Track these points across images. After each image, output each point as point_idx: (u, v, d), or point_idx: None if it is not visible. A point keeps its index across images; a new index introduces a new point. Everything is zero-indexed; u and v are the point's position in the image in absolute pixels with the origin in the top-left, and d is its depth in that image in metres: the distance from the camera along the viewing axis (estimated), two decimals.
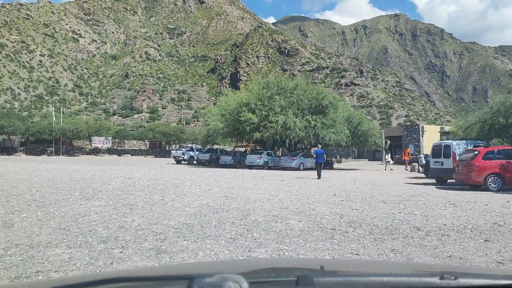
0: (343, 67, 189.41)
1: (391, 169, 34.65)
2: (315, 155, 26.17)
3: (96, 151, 60.58)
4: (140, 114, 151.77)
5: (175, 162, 43.41)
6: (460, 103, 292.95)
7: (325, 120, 34.18)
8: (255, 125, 34.57)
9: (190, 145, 58.41)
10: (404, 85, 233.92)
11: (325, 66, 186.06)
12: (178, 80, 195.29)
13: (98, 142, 60.24)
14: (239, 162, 38.47)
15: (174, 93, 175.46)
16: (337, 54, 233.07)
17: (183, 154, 43.12)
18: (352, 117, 38.23)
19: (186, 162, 43.16)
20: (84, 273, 5.10)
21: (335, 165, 42.77)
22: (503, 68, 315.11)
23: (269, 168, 36.12)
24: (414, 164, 33.92)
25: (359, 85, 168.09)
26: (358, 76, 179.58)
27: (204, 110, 66.67)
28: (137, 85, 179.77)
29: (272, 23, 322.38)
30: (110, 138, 61.65)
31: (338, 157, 57.23)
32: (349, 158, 58.08)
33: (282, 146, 39.42)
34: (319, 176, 23.93)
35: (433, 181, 22.67)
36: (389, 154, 37.20)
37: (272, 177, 23.64)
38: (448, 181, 20.78)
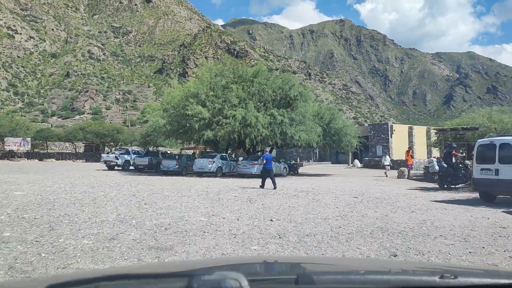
0: (292, 69, 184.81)
1: (386, 175, 27.71)
2: (264, 161, 19.11)
3: (11, 155, 49.88)
4: (82, 115, 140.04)
5: (106, 168, 34.48)
6: (401, 107, 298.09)
7: (294, 115, 26.72)
8: (206, 121, 26.57)
9: (133, 148, 49.31)
10: (351, 88, 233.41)
11: (274, 68, 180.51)
12: (123, 80, 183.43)
13: (13, 144, 49.41)
14: (185, 168, 30.23)
15: (119, 93, 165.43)
16: (285, 57, 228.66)
17: (116, 158, 34.21)
18: (323, 112, 31.07)
19: (120, 168, 34.37)
20: (84, 271, 4.76)
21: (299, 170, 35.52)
22: (440, 73, 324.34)
23: (224, 175, 28.26)
24: (402, 169, 27.10)
25: (308, 87, 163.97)
26: (306, 79, 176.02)
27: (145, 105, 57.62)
28: (79, 85, 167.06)
29: (221, 25, 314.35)
30: (28, 139, 50.93)
31: (298, 160, 50.16)
32: (310, 161, 51.32)
33: (240, 147, 31.56)
34: (274, 185, 18.02)
35: (458, 195, 15.75)
36: (387, 157, 30.20)
37: (231, 192, 15.80)
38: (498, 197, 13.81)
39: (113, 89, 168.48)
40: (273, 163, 29.22)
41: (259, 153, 34.64)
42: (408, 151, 27.95)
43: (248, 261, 2.41)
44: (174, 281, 1.35)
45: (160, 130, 29.38)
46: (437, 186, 20.57)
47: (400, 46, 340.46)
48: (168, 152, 48.38)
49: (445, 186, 17.71)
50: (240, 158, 29.77)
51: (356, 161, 43.37)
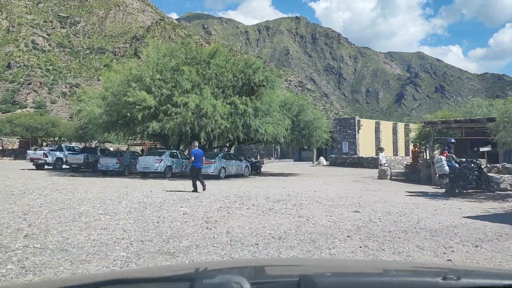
0: None
1: (388, 177, 23.40)
2: (192, 158, 15.36)
3: None
4: (24, 109, 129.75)
5: (34, 167, 28.58)
6: (355, 104, 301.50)
7: (259, 104, 22.15)
8: (152, 110, 21.52)
9: (75, 144, 43.15)
10: (306, 85, 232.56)
11: None
12: (70, 73, 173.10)
13: None
14: (128, 167, 25.06)
15: (66, 87, 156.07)
16: (241, 52, 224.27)
17: (46, 155, 28.34)
18: (291, 102, 26.65)
19: (51, 167, 28.59)
20: (87, 274, 4.70)
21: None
22: (392, 72, 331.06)
23: (174, 176, 23.38)
24: (384, 168, 23.18)
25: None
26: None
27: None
28: (21, 77, 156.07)
29: (175, 19, 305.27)
30: None
31: (259, 157, 45.70)
32: (272, 158, 47.01)
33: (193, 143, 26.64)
34: (202, 187, 15.02)
35: (485, 205, 11.79)
36: (383, 154, 26.04)
37: (179, 203, 11.02)
38: None
39: (59, 82, 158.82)
40: (234, 161, 24.75)
41: (217, 150, 29.89)
42: (415, 149, 23.77)
43: (250, 264, 2.30)
44: (177, 285, 1.31)
45: (96, 122, 23.94)
46: (436, 189, 16.69)
47: (354, 45, 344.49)
48: (112, 148, 42.60)
49: (457, 191, 13.77)
50: None
51: (322, 159, 39.47)
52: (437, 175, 14.91)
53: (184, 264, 4.95)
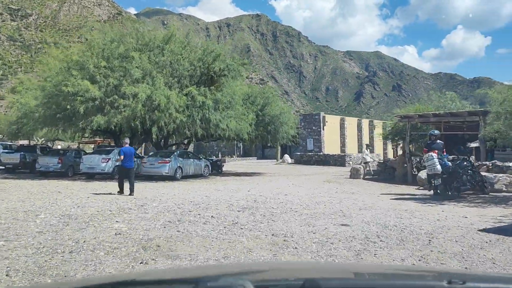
0: None
1: (372, 173, 21.13)
2: (121, 156, 13.47)
3: None
4: None
5: None
6: (315, 102, 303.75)
7: (219, 96, 19.62)
8: (96, 102, 18.62)
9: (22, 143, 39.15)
10: (267, 83, 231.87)
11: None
12: (21, 68, 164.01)
13: None
14: (72, 167, 21.97)
15: (16, 82, 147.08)
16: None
17: None
18: (255, 95, 24.22)
19: None
20: (90, 277, 4.49)
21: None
22: (351, 71, 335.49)
23: None
24: (356, 167, 21.22)
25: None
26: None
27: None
28: None
29: (134, 14, 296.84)
30: None
31: (220, 155, 43.07)
32: (234, 156, 44.43)
33: (147, 139, 23.75)
34: (131, 191, 13.05)
35: (490, 211, 9.86)
36: (367, 151, 23.83)
37: (117, 217, 8.40)
38: None
39: (9, 77, 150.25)
40: (192, 160, 22.12)
41: (174, 147, 27.16)
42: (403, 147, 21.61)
43: (254, 267, 2.34)
44: (181, 287, 1.32)
45: (32, 116, 20.67)
46: (420, 190, 14.78)
47: (314, 43, 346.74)
48: (60, 146, 38.85)
49: (450, 193, 11.82)
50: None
51: (286, 157, 37.37)
52: (427, 175, 12.93)
53: (188, 267, 4.78)
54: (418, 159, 20.98)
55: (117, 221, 8.00)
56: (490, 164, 14.50)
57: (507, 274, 4.30)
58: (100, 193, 13.46)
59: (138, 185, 16.57)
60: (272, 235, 6.95)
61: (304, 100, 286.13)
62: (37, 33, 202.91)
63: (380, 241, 6.57)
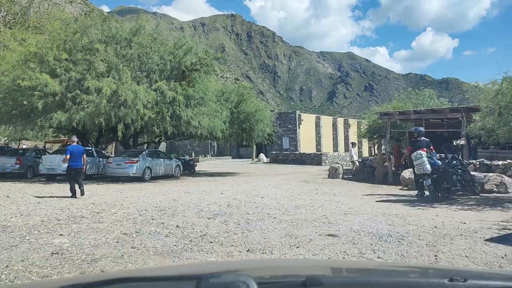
0: None
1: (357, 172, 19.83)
2: (68, 156, 12.02)
3: None
4: None
5: None
6: (289, 102, 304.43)
7: (191, 92, 18.23)
8: (57, 97, 17.01)
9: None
10: (242, 83, 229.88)
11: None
12: None
13: None
14: (31, 168, 20.23)
15: None
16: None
17: None
18: (230, 91, 22.89)
19: None
20: (93, 273, 4.52)
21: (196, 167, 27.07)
22: (324, 71, 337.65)
23: (88, 178, 19.00)
24: (335, 166, 20.20)
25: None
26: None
27: None
28: None
29: (107, 13, 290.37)
30: None
31: (193, 154, 41.52)
32: (208, 155, 42.90)
33: (114, 138, 22.11)
34: (81, 191, 11.99)
35: (492, 215, 8.89)
36: (355, 150, 22.67)
37: (66, 224, 7.00)
38: None
39: None
40: (162, 160, 20.66)
41: (144, 146, 25.62)
42: (396, 146, 20.01)
43: (256, 264, 2.25)
44: (182, 284, 1.29)
45: None
46: (404, 190, 13.82)
47: (288, 44, 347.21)
48: (25, 146, 36.58)
49: (440, 195, 10.83)
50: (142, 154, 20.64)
51: (262, 156, 36.20)
52: (414, 175, 11.92)
53: (190, 264, 4.63)
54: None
55: (61, 234, 6.60)
56: (478, 163, 13.64)
57: (509, 271, 4.19)
58: (56, 197, 11.95)
59: (100, 188, 15.10)
60: (248, 251, 5.71)
61: (278, 99, 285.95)
62: (5, 30, 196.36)
63: (378, 257, 5.43)
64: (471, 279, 1.30)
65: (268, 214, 8.87)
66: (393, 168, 16.88)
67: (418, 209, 9.68)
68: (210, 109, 19.32)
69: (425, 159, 10.74)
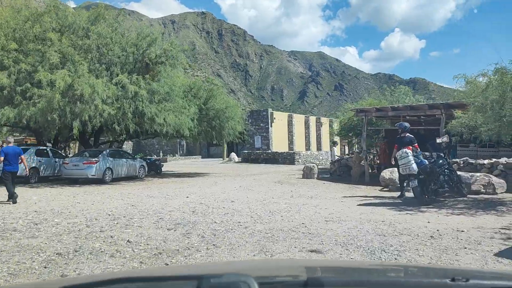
0: None
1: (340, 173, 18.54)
2: (1, 158, 10.63)
3: None
4: None
5: None
6: (261, 101, 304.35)
7: (156, 86, 16.82)
8: (5, 92, 15.33)
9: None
10: (213, 81, 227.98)
11: None
12: None
13: None
14: None
15: None
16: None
17: None
18: (199, 87, 21.53)
19: None
20: (94, 273, 4.42)
21: (163, 167, 25.60)
22: (295, 70, 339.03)
23: (43, 180, 17.42)
24: (310, 165, 19.20)
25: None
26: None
27: None
28: None
29: (73, 8, 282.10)
30: None
31: (161, 154, 39.87)
32: (176, 155, 41.23)
33: (71, 137, 20.40)
34: (11, 198, 10.46)
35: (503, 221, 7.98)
36: (336, 149, 21.46)
37: None
38: None
39: None
40: (125, 160, 19.15)
41: (114, 145, 24.00)
42: (382, 144, 18.74)
43: (257, 264, 2.29)
44: (183, 284, 1.29)
45: None
46: (384, 192, 12.92)
47: (259, 43, 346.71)
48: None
49: (427, 197, 9.89)
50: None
51: (233, 155, 34.99)
52: (399, 175, 10.96)
53: (192, 264, 4.60)
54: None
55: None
56: (462, 162, 12.86)
57: (511, 271, 4.14)
58: None
59: (52, 192, 13.56)
60: None
61: (250, 98, 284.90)
62: None
63: None
64: (473, 279, 1.29)
65: (239, 223, 7.68)
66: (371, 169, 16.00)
67: (406, 214, 8.69)
68: (176, 105, 17.95)
69: (411, 158, 9.78)
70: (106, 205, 10.26)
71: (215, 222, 7.77)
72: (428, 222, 7.68)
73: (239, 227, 7.23)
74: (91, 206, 9.96)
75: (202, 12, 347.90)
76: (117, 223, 7.67)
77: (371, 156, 20.58)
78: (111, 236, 6.46)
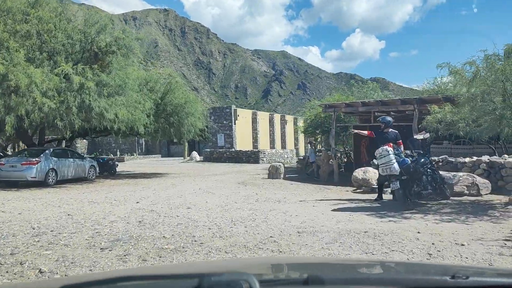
0: None
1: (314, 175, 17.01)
2: None
3: None
4: None
5: None
6: (225, 99, 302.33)
7: (105, 78, 15.03)
8: None
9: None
10: (176, 79, 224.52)
11: None
12: None
13: None
14: None
15: None
16: None
17: None
18: (155, 80, 19.79)
19: None
20: (95, 272, 4.27)
21: (119, 167, 23.71)
22: (259, 69, 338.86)
23: None
24: (276, 165, 17.91)
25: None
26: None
27: None
28: None
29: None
30: None
31: (118, 153, 37.63)
32: (135, 154, 39.01)
33: (20, 136, 18.23)
34: None
35: None
36: (312, 149, 19.77)
37: None
38: None
39: None
40: (71, 160, 17.20)
41: (56, 143, 21.89)
42: (363, 142, 17.23)
43: (258, 262, 2.24)
44: (184, 282, 1.27)
45: None
46: (357, 193, 11.79)
47: (223, 41, 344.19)
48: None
49: (410, 200, 8.78)
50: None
51: (195, 154, 33.32)
52: (378, 175, 9.81)
53: (193, 262, 4.56)
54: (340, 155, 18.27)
55: None
56: (440, 160, 11.88)
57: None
58: None
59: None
60: None
61: (214, 97, 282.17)
62: None
63: None
64: (473, 276, 1.29)
65: (193, 237, 6.24)
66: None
67: (389, 221, 7.50)
68: (129, 99, 16.21)
69: (392, 157, 8.62)
70: (37, 214, 8.56)
71: (163, 236, 6.30)
72: (418, 232, 6.50)
73: (193, 244, 5.79)
74: (16, 217, 8.25)
75: (165, 9, 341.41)
76: (38, 240, 6.07)
77: (338, 155, 19.57)
78: (21, 263, 4.88)
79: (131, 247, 5.67)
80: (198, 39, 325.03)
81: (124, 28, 16.88)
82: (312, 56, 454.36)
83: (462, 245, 5.66)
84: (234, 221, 7.58)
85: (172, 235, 6.42)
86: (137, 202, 10.28)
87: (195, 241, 6.02)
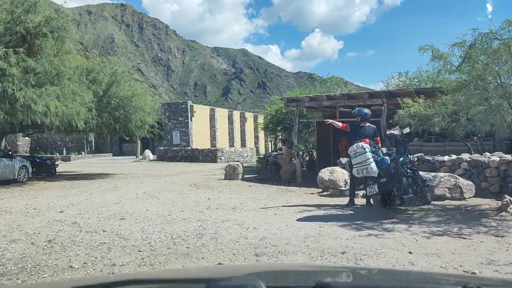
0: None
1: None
2: None
3: None
4: None
5: None
6: (184, 97, 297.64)
7: (34, 64, 12.87)
8: None
9: None
10: (133, 76, 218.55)
11: None
12: None
13: None
14: None
15: None
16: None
17: None
18: (98, 70, 17.63)
19: None
20: (105, 275, 4.12)
21: (62, 167, 21.33)
22: (219, 67, 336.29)
23: None
24: (233, 164, 16.26)
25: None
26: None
27: None
28: None
29: None
30: None
31: (64, 151, 34.74)
32: (83, 152, 36.13)
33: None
34: None
35: None
36: (285, 145, 17.83)
37: None
38: None
39: None
40: None
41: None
42: (343, 139, 15.31)
43: (266, 268, 2.24)
44: (193, 286, 1.28)
45: None
46: (325, 197, 10.37)
47: (182, 38, 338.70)
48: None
49: (390, 207, 7.41)
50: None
51: (148, 152, 31.12)
52: (351, 177, 8.38)
53: (200, 267, 4.32)
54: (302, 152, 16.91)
55: None
56: (415, 158, 10.65)
57: None
58: None
59: None
60: None
61: (172, 94, 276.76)
62: None
63: None
64: (485, 286, 1.25)
65: (113, 267, 4.52)
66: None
67: (369, 235, 6.04)
68: (66, 90, 14.09)
69: (369, 155, 7.19)
70: None
71: (70, 266, 4.54)
72: (410, 252, 5.07)
73: (124, 265, 4.07)
74: None
75: (122, 4, 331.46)
76: None
77: (301, 153, 18.22)
78: None
79: (37, 274, 3.89)
80: (157, 35, 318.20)
81: (58, 7, 14.66)
82: (272, 55, 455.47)
83: (473, 273, 4.25)
84: (174, 238, 5.90)
85: (85, 263, 4.68)
86: (61, 212, 8.38)
87: (113, 272, 4.31)
